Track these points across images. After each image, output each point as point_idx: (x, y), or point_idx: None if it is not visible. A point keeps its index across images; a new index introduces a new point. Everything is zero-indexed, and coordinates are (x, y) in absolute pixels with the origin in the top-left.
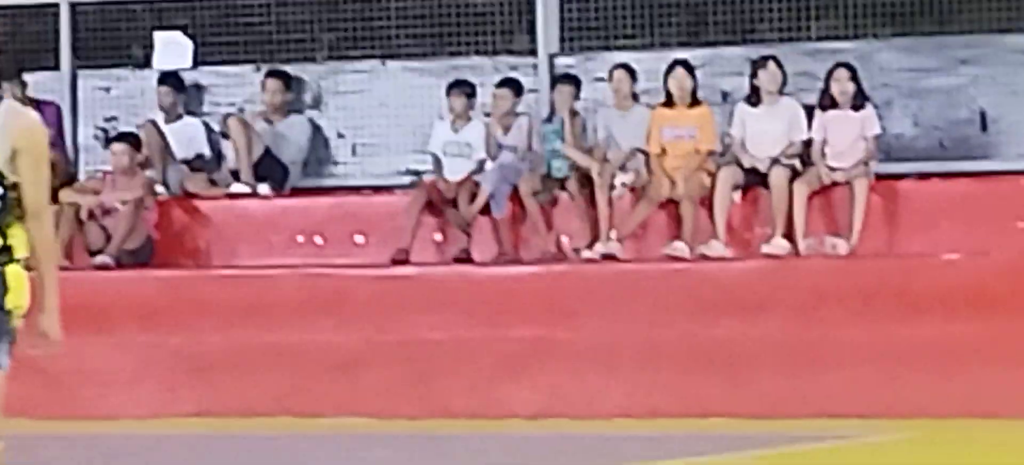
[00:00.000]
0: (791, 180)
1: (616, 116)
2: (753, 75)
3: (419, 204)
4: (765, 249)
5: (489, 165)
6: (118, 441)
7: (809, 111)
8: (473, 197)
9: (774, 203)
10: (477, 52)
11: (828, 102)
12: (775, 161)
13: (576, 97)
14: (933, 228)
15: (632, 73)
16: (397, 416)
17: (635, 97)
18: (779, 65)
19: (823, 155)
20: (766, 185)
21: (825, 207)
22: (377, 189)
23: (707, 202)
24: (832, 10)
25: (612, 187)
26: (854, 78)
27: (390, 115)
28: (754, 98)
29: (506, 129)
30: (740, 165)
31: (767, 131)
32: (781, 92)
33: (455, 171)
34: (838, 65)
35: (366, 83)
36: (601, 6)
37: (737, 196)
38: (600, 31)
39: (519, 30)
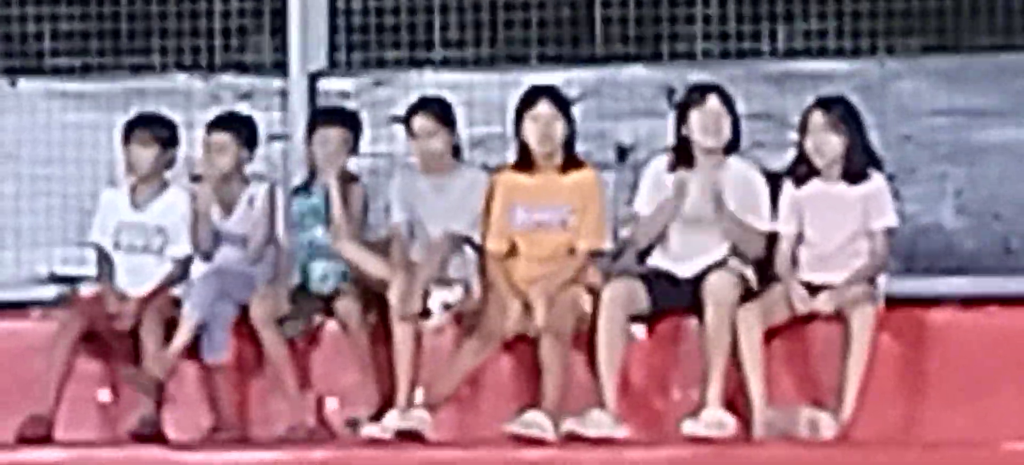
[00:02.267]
0: (739, 302)
1: (425, 184)
2: (680, 117)
3: (70, 337)
4: (689, 428)
5: (197, 270)
6: None
7: (772, 182)
8: (168, 326)
9: (709, 343)
10: (181, 66)
11: (804, 169)
12: (712, 268)
13: (353, 149)
14: (990, 393)
15: (445, 109)
16: None
17: (457, 151)
18: (726, 102)
19: (795, 263)
20: (695, 313)
21: (798, 354)
22: None
23: (587, 341)
24: (813, 4)
25: (422, 312)
26: (849, 123)
27: (22, 174)
28: (681, 156)
29: (227, 205)
30: (647, 278)
31: (701, 217)
32: (731, 147)
33: (136, 278)
34: (816, 103)
35: None
36: None
37: (640, 331)
38: (399, 35)
39: (255, 30)
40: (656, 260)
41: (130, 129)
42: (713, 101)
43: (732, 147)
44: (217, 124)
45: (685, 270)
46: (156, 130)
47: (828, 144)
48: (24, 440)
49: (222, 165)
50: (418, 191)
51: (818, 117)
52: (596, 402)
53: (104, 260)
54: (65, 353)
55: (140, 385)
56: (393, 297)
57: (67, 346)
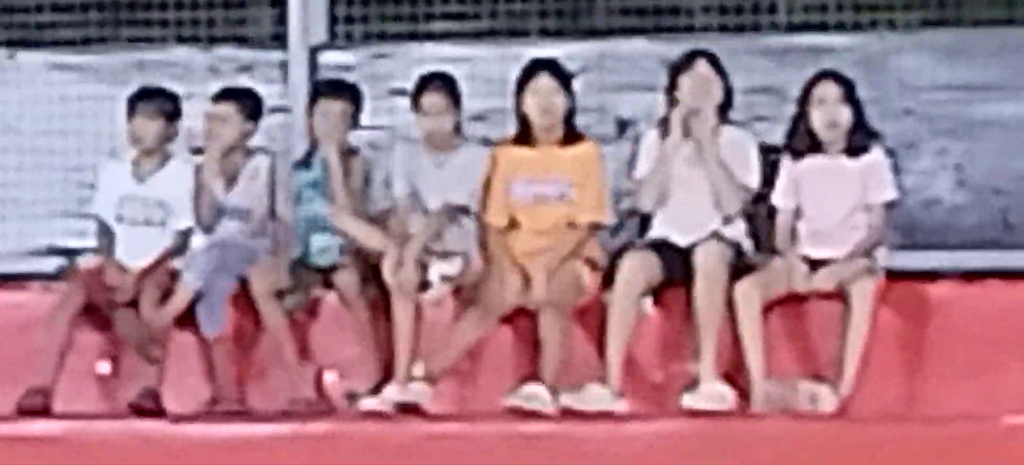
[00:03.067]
0: (735, 277)
1: (427, 159)
2: (670, 86)
3: (70, 310)
4: (688, 401)
5: (198, 242)
6: None
7: (770, 155)
8: (165, 298)
9: (702, 318)
10: (180, 39)
11: (804, 142)
12: (707, 240)
13: (354, 122)
14: (990, 368)
15: (452, 86)
16: None
17: (458, 129)
18: (716, 67)
19: (794, 236)
20: (689, 285)
21: (797, 328)
22: None
23: (591, 315)
24: None
25: (422, 284)
26: (851, 98)
27: (23, 147)
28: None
29: (230, 178)
30: (654, 247)
31: (695, 184)
32: (722, 116)
33: (136, 251)
34: (822, 75)
35: None
36: None
37: (649, 306)
38: (400, 8)
39: (255, 2)
40: (657, 229)
41: (134, 102)
42: (702, 65)
43: (724, 114)
44: (221, 96)
45: (684, 238)
46: (161, 103)
47: (842, 116)
48: (24, 412)
49: (226, 137)
50: (420, 165)
51: (832, 89)
52: (597, 376)
53: (104, 233)
54: (65, 325)
55: (136, 339)
56: (386, 269)
57: (67, 318)
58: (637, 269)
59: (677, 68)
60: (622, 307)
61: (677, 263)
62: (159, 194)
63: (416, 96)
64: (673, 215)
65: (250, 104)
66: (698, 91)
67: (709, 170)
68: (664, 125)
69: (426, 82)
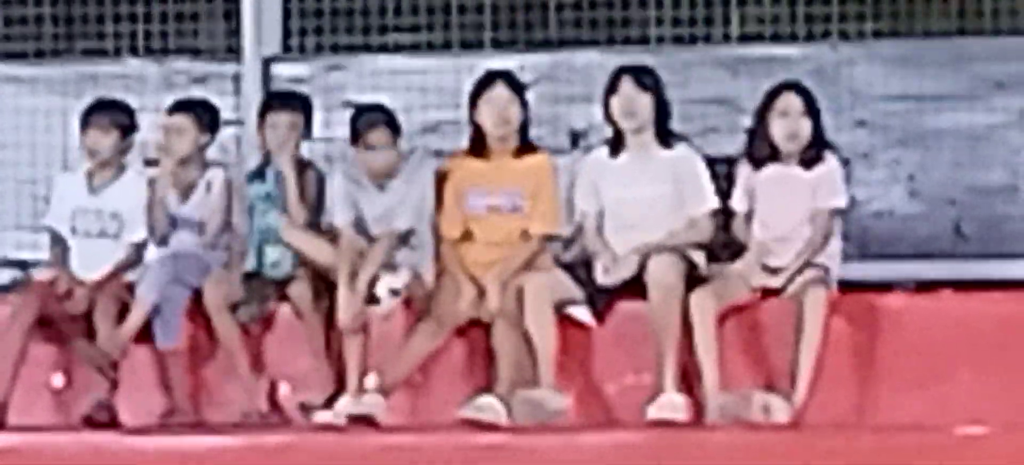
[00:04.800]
0: (688, 288)
1: (369, 183)
2: (604, 104)
3: (24, 322)
4: (652, 413)
5: (152, 255)
6: None
7: (723, 166)
8: (121, 311)
9: (656, 328)
10: (134, 51)
11: (763, 151)
12: (657, 252)
13: (305, 133)
14: (943, 378)
15: (392, 118)
16: None
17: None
18: (642, 82)
19: (748, 241)
20: (640, 295)
21: (750, 339)
22: None
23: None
24: None
25: (371, 298)
26: (811, 110)
27: None
28: (616, 143)
29: (184, 190)
30: (587, 267)
31: (638, 200)
32: (663, 133)
33: (90, 263)
34: (784, 86)
35: None
36: None
37: (584, 314)
38: (353, 20)
39: (208, 15)
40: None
41: (88, 115)
42: (626, 85)
43: (664, 130)
44: (177, 107)
45: (628, 260)
46: (115, 116)
47: (803, 129)
48: None
49: (180, 149)
50: (361, 190)
51: (795, 102)
52: (551, 384)
53: (58, 244)
54: (19, 338)
55: (92, 361)
56: (340, 314)
57: (21, 331)
58: (540, 288)
59: (608, 89)
60: (537, 322)
61: (621, 282)
62: (113, 206)
63: (361, 132)
64: (617, 231)
65: (205, 116)
66: (625, 110)
67: (660, 188)
68: (611, 144)
69: (370, 120)
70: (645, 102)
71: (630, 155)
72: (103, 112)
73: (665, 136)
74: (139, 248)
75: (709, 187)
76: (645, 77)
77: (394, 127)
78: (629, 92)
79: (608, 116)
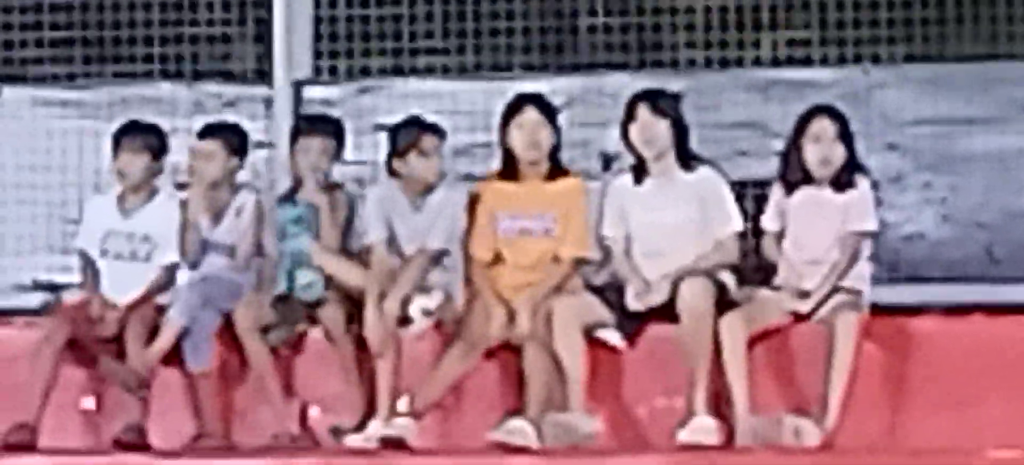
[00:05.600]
0: (718, 312)
1: (404, 201)
2: (623, 131)
3: (55, 345)
4: (682, 436)
5: (183, 278)
6: None
7: (754, 189)
8: (151, 334)
9: (687, 352)
10: (165, 74)
11: (796, 175)
12: (689, 276)
13: (336, 156)
14: (974, 402)
15: (440, 132)
16: None
17: (441, 174)
18: (658, 107)
19: (780, 263)
20: (671, 318)
21: (781, 362)
22: None
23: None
24: (798, 13)
25: (404, 320)
26: (844, 134)
27: (6, 182)
28: (639, 170)
29: (215, 214)
30: (618, 291)
31: (664, 224)
32: (685, 156)
33: (121, 285)
34: (818, 110)
35: None
36: None
37: (612, 337)
38: (384, 44)
39: (239, 38)
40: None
41: (120, 137)
42: (643, 111)
43: (687, 154)
44: (207, 132)
45: (659, 286)
46: (146, 139)
47: (836, 154)
48: (9, 447)
49: (210, 173)
50: (396, 208)
51: (828, 127)
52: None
53: (89, 267)
54: (51, 361)
55: (122, 381)
56: (368, 333)
57: (53, 354)
58: (569, 310)
59: (627, 116)
60: (566, 346)
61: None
62: (144, 229)
63: (411, 138)
64: (646, 258)
65: (235, 140)
66: (642, 137)
67: (685, 211)
68: (636, 171)
69: (426, 126)
70: (663, 128)
71: (654, 181)
72: (134, 135)
73: (686, 159)
74: (171, 271)
75: (734, 208)
76: (662, 102)
77: (440, 135)
78: (646, 119)
79: (627, 143)
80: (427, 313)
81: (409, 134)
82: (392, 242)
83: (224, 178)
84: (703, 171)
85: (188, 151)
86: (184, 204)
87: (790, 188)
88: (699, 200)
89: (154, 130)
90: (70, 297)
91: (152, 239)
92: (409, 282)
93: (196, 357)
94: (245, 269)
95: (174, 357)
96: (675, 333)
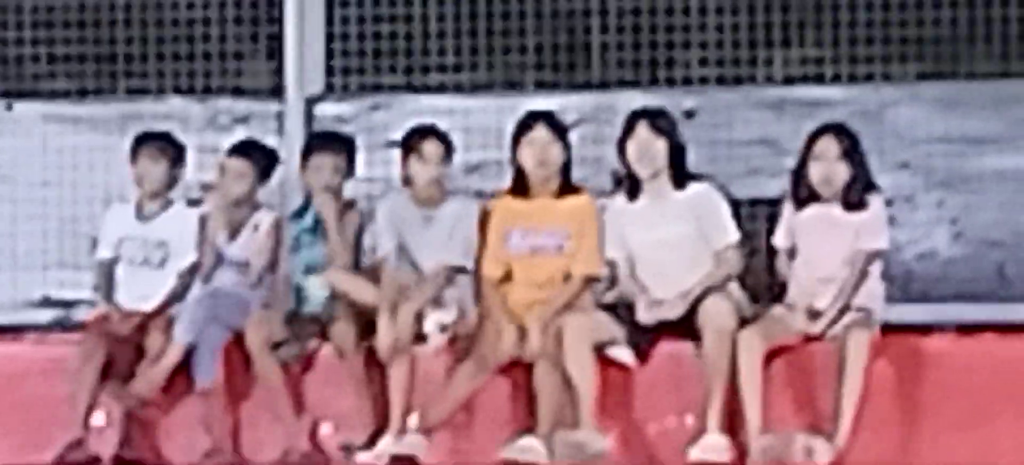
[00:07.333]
0: (739, 326)
1: (415, 214)
2: (619, 149)
3: (96, 362)
4: (694, 455)
5: (195, 291)
6: None
7: (766, 207)
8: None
9: (708, 369)
10: (177, 90)
11: (806, 192)
12: (712, 293)
13: (348, 173)
14: (985, 421)
15: (446, 139)
16: None
17: (441, 182)
18: (657, 126)
19: (791, 281)
20: (688, 335)
21: (792, 380)
22: None
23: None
24: (810, 31)
25: (419, 336)
26: (852, 153)
27: (18, 197)
28: (633, 188)
29: (233, 230)
30: (628, 308)
31: (662, 242)
32: (679, 171)
33: (133, 291)
34: (824, 129)
35: None
36: (398, 15)
37: (626, 355)
38: (396, 60)
39: (251, 54)
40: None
41: (138, 144)
42: (642, 129)
43: (683, 173)
44: (238, 150)
45: (667, 303)
46: (164, 146)
47: (837, 174)
48: None
49: (237, 191)
50: (407, 220)
51: (832, 147)
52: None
53: (105, 277)
54: (93, 378)
55: (124, 402)
56: (379, 341)
57: (94, 371)
58: (581, 328)
59: (623, 134)
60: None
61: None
62: (160, 235)
63: (412, 144)
64: (650, 278)
65: (264, 161)
66: (640, 155)
67: (681, 228)
68: (629, 187)
69: (427, 131)
70: (661, 147)
71: (648, 198)
72: (151, 142)
73: (681, 178)
74: (186, 277)
75: (730, 221)
76: (660, 121)
77: (449, 148)
78: (645, 136)
79: (623, 160)
80: (443, 328)
81: (410, 139)
82: (402, 254)
83: (247, 196)
84: (696, 187)
85: (217, 166)
86: (203, 218)
87: (800, 205)
88: (695, 215)
89: (172, 139)
90: (97, 310)
91: (167, 245)
92: (425, 295)
93: (202, 373)
94: (256, 285)
95: (185, 374)
96: (696, 351)
